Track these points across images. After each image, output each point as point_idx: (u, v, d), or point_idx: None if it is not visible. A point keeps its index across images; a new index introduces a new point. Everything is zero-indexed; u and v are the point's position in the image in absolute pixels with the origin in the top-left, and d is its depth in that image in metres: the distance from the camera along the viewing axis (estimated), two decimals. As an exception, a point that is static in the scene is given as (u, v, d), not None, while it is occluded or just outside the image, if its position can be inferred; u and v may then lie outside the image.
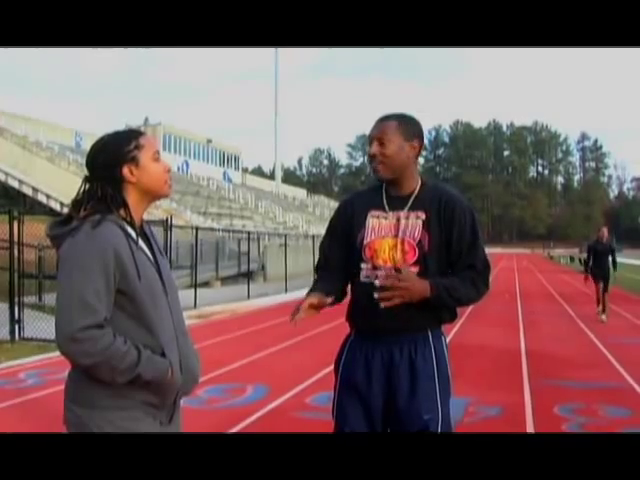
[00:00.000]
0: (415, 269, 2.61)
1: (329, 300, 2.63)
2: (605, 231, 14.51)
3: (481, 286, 2.67)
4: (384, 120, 2.71)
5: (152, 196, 2.24)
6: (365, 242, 2.69)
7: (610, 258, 14.07)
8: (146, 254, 2.16)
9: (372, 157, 2.69)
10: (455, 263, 2.66)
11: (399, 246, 2.64)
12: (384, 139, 2.66)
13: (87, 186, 2.16)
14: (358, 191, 3.02)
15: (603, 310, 14.03)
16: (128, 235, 2.10)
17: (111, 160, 2.14)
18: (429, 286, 2.55)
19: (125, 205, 2.15)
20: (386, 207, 2.71)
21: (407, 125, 2.71)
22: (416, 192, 2.71)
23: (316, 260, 2.99)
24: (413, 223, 2.65)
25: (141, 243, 2.16)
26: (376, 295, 2.54)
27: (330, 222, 2.93)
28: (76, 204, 2.14)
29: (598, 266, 14.09)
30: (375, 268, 2.65)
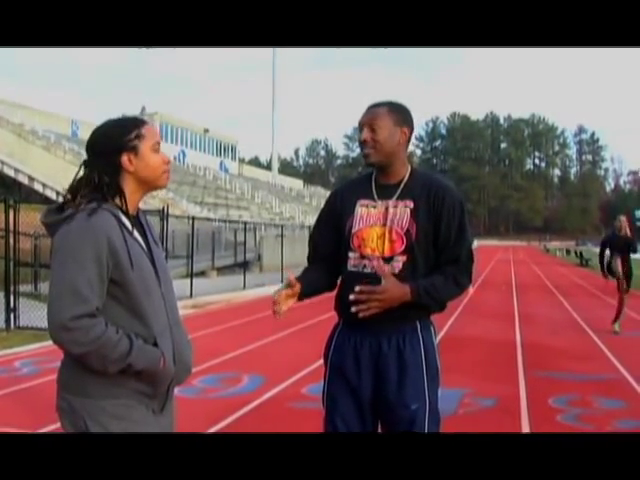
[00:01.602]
0: (403, 258, 2.61)
1: (297, 287, 2.66)
2: (624, 220, 11.54)
3: (464, 281, 2.67)
4: (374, 107, 2.72)
5: (149, 186, 2.22)
6: (353, 231, 2.69)
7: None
8: (140, 244, 2.15)
9: (363, 143, 2.68)
10: (441, 253, 2.65)
11: (387, 235, 2.63)
12: (375, 125, 2.65)
13: (85, 171, 2.15)
14: (348, 181, 3.02)
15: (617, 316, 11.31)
16: (122, 224, 2.09)
17: (111, 147, 2.12)
18: (409, 290, 2.55)
19: (121, 194, 2.13)
20: (375, 196, 2.71)
21: (397, 111, 2.71)
22: (405, 180, 2.71)
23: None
24: (401, 212, 2.64)
25: (135, 233, 2.14)
26: (351, 297, 2.55)
27: (320, 212, 2.93)
28: (72, 190, 2.12)
29: (620, 263, 11.18)
30: (363, 257, 2.65)
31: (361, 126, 2.70)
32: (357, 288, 2.56)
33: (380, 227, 2.65)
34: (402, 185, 2.69)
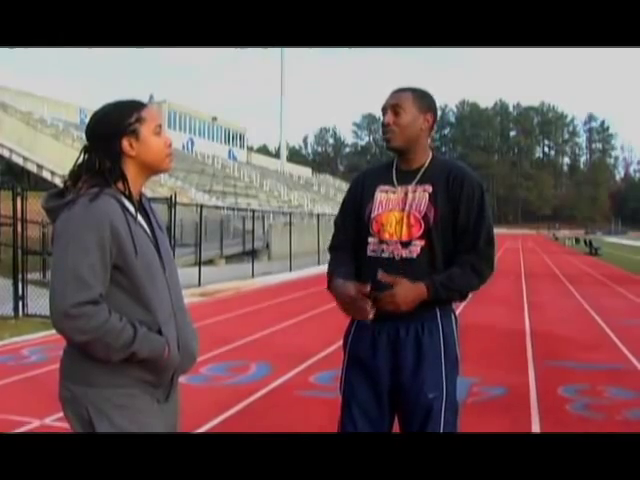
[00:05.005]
0: (421, 243, 2.59)
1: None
2: None
3: (484, 269, 2.62)
4: (399, 91, 2.70)
5: (152, 170, 2.17)
6: (372, 215, 2.67)
7: None
8: (144, 229, 2.10)
9: (386, 126, 2.67)
10: (460, 239, 2.62)
11: (405, 220, 2.61)
12: (399, 108, 2.64)
13: (85, 157, 2.09)
14: (370, 167, 3.00)
15: None
16: (126, 209, 2.04)
17: (111, 132, 2.07)
18: (425, 288, 2.51)
19: (124, 178, 2.08)
20: (395, 181, 2.69)
21: (422, 98, 2.70)
22: (425, 166, 2.69)
23: (329, 236, 2.96)
24: (420, 197, 2.62)
25: (139, 218, 2.10)
26: (371, 317, 2.50)
27: (343, 199, 2.92)
28: (73, 175, 2.08)
29: None
30: (381, 242, 2.63)
31: (384, 110, 2.68)
32: (368, 288, 2.51)
33: (399, 212, 2.63)
34: (422, 170, 2.67)
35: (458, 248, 2.62)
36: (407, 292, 2.50)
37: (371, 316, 2.49)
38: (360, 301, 2.50)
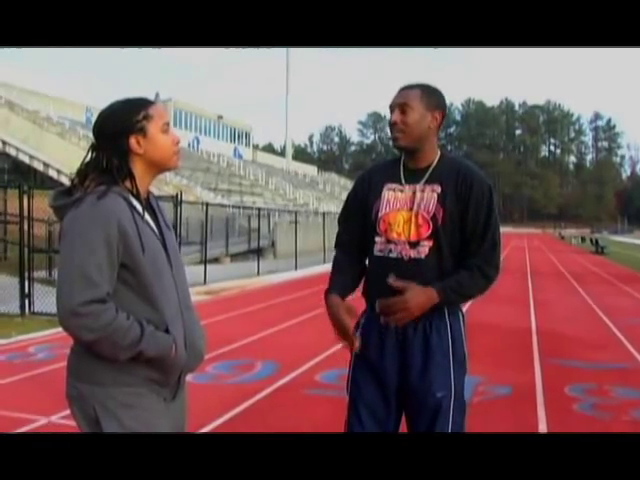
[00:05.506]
0: (429, 243, 2.57)
1: (353, 311, 2.66)
2: None
3: (491, 272, 2.60)
4: (407, 88, 2.65)
5: (159, 168, 2.17)
6: (380, 215, 2.64)
7: None
8: (151, 227, 2.10)
9: (393, 125, 2.62)
10: (467, 241, 2.60)
11: (413, 219, 2.59)
12: (406, 107, 2.59)
13: (93, 155, 2.09)
14: (376, 164, 2.95)
15: None
16: (133, 207, 2.04)
17: (118, 130, 2.06)
18: (435, 293, 2.51)
19: (131, 176, 2.08)
20: (402, 180, 2.66)
21: (430, 95, 2.65)
22: (434, 165, 2.65)
23: (334, 234, 2.94)
24: (428, 196, 2.59)
25: (146, 216, 2.09)
26: (382, 320, 2.57)
27: (347, 196, 2.88)
28: (81, 173, 2.07)
29: None
30: (389, 242, 2.61)
31: (392, 108, 2.63)
32: (377, 302, 2.55)
33: (407, 211, 2.60)
34: (430, 169, 2.63)
35: (465, 250, 2.60)
36: (419, 297, 2.49)
37: (356, 348, 2.62)
38: (350, 336, 2.61)
